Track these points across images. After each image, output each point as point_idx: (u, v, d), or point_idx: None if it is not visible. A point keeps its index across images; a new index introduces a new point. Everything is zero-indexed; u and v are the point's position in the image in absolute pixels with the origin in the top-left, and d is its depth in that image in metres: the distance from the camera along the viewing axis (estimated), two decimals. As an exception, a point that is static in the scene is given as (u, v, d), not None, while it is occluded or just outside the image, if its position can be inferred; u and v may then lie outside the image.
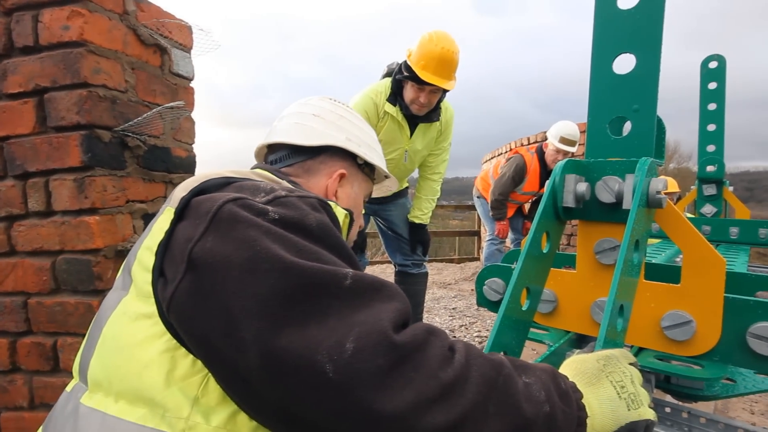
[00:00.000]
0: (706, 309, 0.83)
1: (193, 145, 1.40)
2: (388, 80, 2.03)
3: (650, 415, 0.53)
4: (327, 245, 0.52)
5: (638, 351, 0.93)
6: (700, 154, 2.12)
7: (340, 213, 0.64)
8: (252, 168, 0.79)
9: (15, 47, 1.06)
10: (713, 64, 2.03)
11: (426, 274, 2.53)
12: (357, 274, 0.48)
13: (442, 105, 2.11)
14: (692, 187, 2.30)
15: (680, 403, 1.03)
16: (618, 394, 0.52)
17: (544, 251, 0.88)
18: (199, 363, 0.49)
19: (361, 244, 2.26)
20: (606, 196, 0.88)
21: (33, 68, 1.05)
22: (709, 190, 2.17)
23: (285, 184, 0.68)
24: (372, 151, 0.88)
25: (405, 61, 1.93)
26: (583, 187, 0.88)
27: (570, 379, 0.53)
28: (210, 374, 0.48)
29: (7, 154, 1.09)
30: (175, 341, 0.50)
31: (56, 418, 0.54)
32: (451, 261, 6.27)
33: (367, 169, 0.89)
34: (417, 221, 2.38)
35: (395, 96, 2.00)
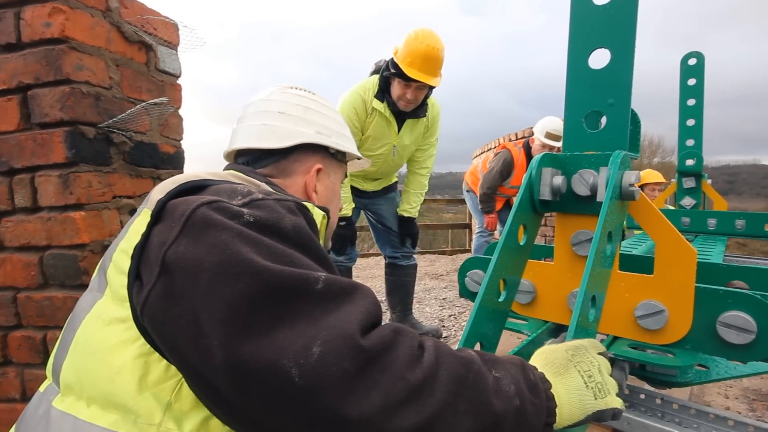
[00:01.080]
0: (678, 299, 0.83)
1: (182, 141, 1.38)
2: (376, 77, 2.01)
3: (617, 403, 0.53)
4: (302, 248, 0.50)
5: (613, 340, 0.93)
6: (679, 149, 2.13)
7: (318, 214, 0.63)
8: (225, 169, 0.77)
9: (-2, 44, 1.03)
10: (692, 61, 2.03)
11: (415, 266, 2.53)
12: (329, 278, 0.46)
13: (429, 101, 2.09)
14: (672, 180, 2.32)
15: (655, 389, 1.03)
16: (585, 383, 0.52)
17: (521, 243, 0.87)
18: (173, 368, 0.47)
19: (351, 237, 2.24)
20: (581, 189, 0.87)
21: (16, 65, 1.02)
22: (689, 182, 2.18)
23: (264, 186, 0.66)
24: (341, 138, 0.85)
25: (392, 59, 1.91)
26: (559, 180, 0.87)
27: (539, 370, 0.53)
28: (183, 380, 0.47)
29: (-7, 151, 1.07)
30: (149, 346, 0.48)
31: (28, 419, 0.53)
32: (443, 253, 6.27)
33: (340, 155, 0.87)
34: (406, 215, 2.37)
35: (383, 93, 1.98)
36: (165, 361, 0.48)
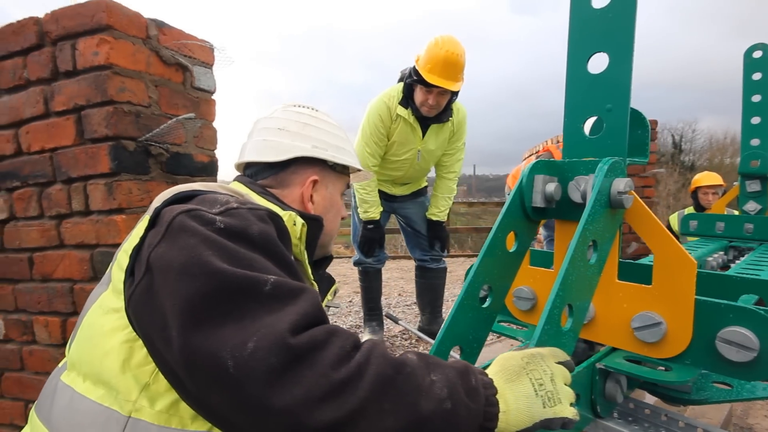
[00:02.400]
0: (677, 311, 0.78)
1: (215, 151, 1.49)
2: (401, 85, 2.03)
3: (568, 413, 0.52)
4: (266, 253, 0.54)
5: (611, 351, 0.88)
6: (743, 149, 1.94)
7: (298, 222, 0.68)
8: (234, 179, 0.84)
9: (59, 72, 1.18)
10: (758, 54, 1.85)
11: (444, 269, 2.51)
12: (278, 281, 0.50)
13: (454, 106, 2.08)
14: (735, 183, 2.11)
15: (669, 406, 0.97)
16: (535, 391, 0.51)
17: (511, 250, 0.85)
18: None
19: (379, 240, 2.28)
20: (576, 196, 0.84)
21: (72, 89, 1.16)
22: (753, 186, 1.97)
23: (247, 197, 0.71)
24: (340, 151, 0.88)
25: (414, 66, 1.92)
26: (552, 187, 0.85)
27: (491, 375, 0.53)
28: None
29: (56, 163, 1.23)
30: (134, 334, 0.54)
31: (45, 387, 0.61)
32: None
33: (340, 167, 0.89)
34: (434, 218, 2.37)
35: (407, 99, 2.00)
36: (146, 349, 0.53)
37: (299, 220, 0.69)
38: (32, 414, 0.62)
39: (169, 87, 1.29)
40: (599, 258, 0.76)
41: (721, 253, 1.75)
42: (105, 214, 1.17)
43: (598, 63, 0.88)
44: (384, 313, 2.39)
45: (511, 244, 0.85)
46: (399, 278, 4.35)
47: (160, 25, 1.25)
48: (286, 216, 0.67)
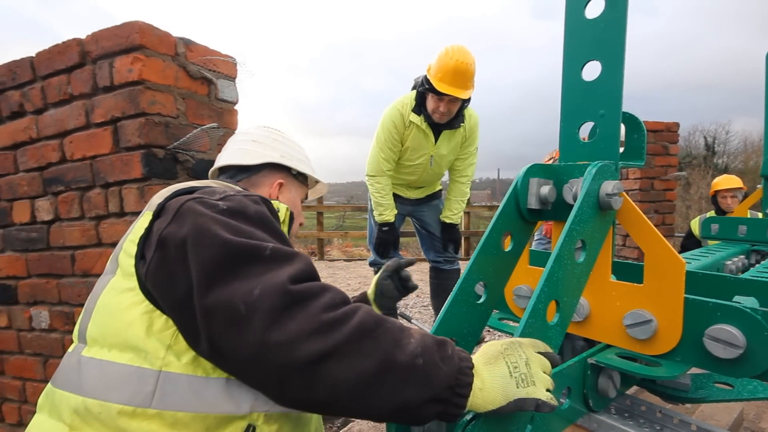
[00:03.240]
0: (667, 309, 0.80)
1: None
2: (414, 92, 2.08)
3: (542, 396, 0.55)
4: (261, 227, 0.63)
5: (605, 347, 0.90)
6: (765, 151, 1.90)
7: (282, 207, 0.78)
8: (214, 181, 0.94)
9: (98, 87, 1.29)
10: None
11: (458, 270, 2.53)
12: (276, 247, 0.59)
13: (466, 112, 2.11)
14: (759, 186, 2.05)
15: (668, 405, 0.98)
16: (510, 372, 0.55)
17: (507, 250, 0.89)
18: (171, 320, 0.61)
19: (393, 242, 2.33)
20: (569, 198, 0.87)
21: (109, 103, 1.27)
22: None
23: (237, 188, 0.81)
24: (302, 163, 1.01)
25: (425, 75, 1.97)
26: (546, 189, 0.88)
27: (474, 359, 0.57)
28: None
29: (95, 169, 1.34)
30: (151, 306, 0.63)
31: (63, 370, 0.68)
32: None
33: (301, 178, 1.03)
34: (448, 221, 2.40)
35: (419, 106, 2.05)
36: (164, 316, 0.62)
37: (283, 206, 0.80)
38: (53, 391, 0.67)
39: (195, 99, 1.39)
40: (588, 257, 0.79)
41: (742, 257, 1.71)
42: (137, 215, 1.27)
43: (592, 70, 0.91)
44: (398, 312, 2.43)
45: (507, 245, 0.89)
46: (418, 280, 4.39)
47: (187, 43, 1.34)
48: (275, 203, 0.77)
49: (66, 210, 1.42)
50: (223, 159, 0.99)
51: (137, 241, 0.66)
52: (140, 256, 0.65)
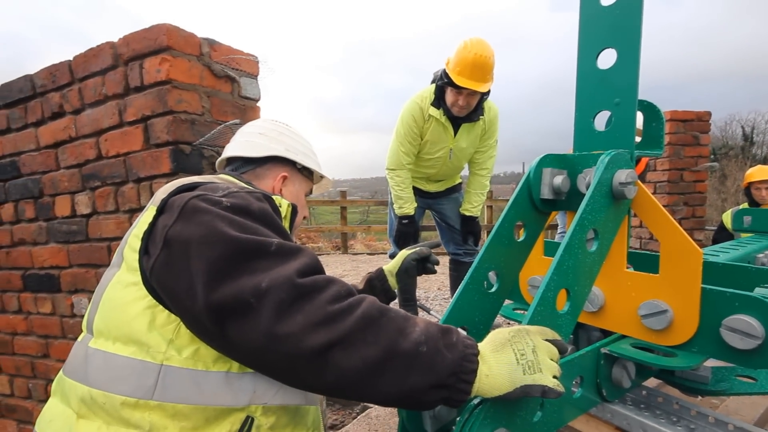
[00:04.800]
0: (683, 299, 0.78)
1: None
2: (433, 86, 2.08)
3: (547, 382, 0.56)
4: (265, 223, 0.65)
5: (620, 338, 0.89)
6: None
7: (284, 203, 0.78)
8: (218, 174, 0.94)
9: (130, 88, 1.36)
10: None
11: (478, 264, 2.52)
12: (281, 242, 0.60)
13: (485, 105, 2.09)
14: None
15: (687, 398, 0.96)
16: (517, 359, 0.56)
17: (519, 240, 0.89)
18: (173, 316, 0.63)
19: (413, 234, 2.34)
20: (583, 188, 0.86)
21: (140, 102, 1.33)
22: None
23: (241, 184, 0.81)
24: (307, 158, 1.01)
25: (444, 69, 1.96)
26: (559, 179, 0.87)
27: (481, 347, 0.58)
28: (180, 323, 0.63)
29: (128, 165, 1.41)
30: (154, 301, 0.64)
31: (72, 359, 0.71)
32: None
33: (305, 172, 1.02)
34: (467, 213, 2.39)
35: (438, 100, 2.04)
36: (167, 311, 0.64)
37: (285, 202, 0.80)
38: (63, 379, 0.69)
39: (219, 97, 1.44)
40: (601, 247, 0.78)
41: (775, 250, 1.63)
42: (167, 209, 1.33)
43: (607, 59, 0.89)
44: (418, 304, 2.45)
45: (520, 235, 0.89)
46: (441, 273, 4.39)
47: (212, 43, 1.39)
48: (276, 199, 0.77)
49: (102, 204, 1.51)
50: (231, 150, 0.99)
51: (141, 236, 0.67)
52: (144, 251, 0.66)
